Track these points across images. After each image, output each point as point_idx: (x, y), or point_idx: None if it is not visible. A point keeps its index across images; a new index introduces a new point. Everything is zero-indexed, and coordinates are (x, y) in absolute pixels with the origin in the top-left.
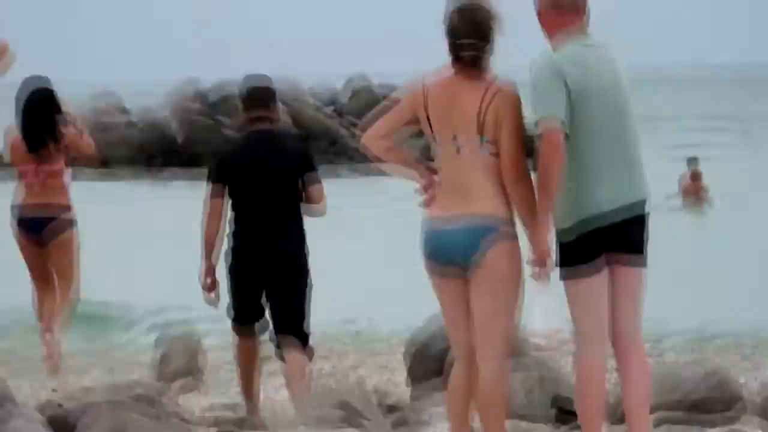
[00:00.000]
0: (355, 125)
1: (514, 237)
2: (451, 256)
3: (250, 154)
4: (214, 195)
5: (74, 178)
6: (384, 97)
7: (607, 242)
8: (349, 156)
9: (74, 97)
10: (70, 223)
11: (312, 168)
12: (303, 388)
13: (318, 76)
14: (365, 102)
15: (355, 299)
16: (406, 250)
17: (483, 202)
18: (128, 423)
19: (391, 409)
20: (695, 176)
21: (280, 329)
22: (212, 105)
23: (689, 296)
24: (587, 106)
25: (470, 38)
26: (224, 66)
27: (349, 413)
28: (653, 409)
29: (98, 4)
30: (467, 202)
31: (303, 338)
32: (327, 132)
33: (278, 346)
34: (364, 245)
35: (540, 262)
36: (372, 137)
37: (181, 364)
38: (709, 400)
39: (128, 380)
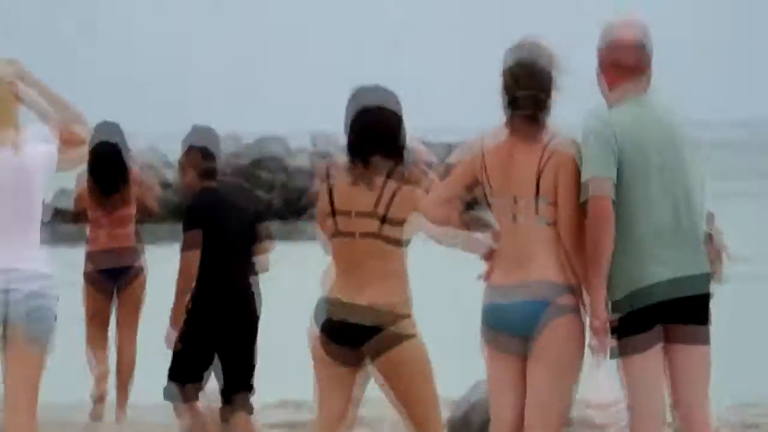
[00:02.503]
0: None
1: (576, 310)
2: (510, 328)
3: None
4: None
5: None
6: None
7: (661, 316)
8: None
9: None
10: (142, 270)
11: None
12: None
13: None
14: None
15: None
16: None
17: (542, 272)
18: None
19: None
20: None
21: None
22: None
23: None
24: (639, 170)
25: (529, 92)
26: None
27: None
28: None
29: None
30: (527, 271)
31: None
32: None
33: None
34: None
35: (597, 333)
36: (435, 205)
37: None
38: None
39: None
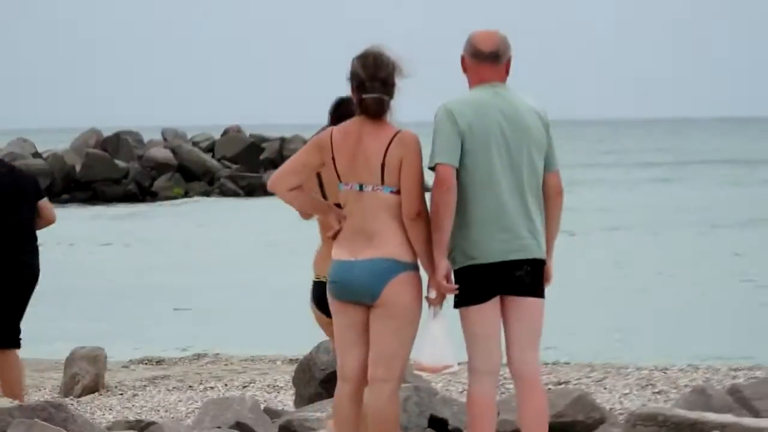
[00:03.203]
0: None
1: (416, 271)
2: (354, 293)
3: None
4: None
5: None
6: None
7: (497, 285)
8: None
9: None
10: None
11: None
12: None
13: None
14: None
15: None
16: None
17: (386, 247)
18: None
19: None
20: None
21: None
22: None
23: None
24: (480, 154)
25: (374, 84)
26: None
27: (241, 428)
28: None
29: None
30: (371, 245)
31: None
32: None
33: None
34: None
35: (435, 292)
36: (279, 184)
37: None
38: (577, 422)
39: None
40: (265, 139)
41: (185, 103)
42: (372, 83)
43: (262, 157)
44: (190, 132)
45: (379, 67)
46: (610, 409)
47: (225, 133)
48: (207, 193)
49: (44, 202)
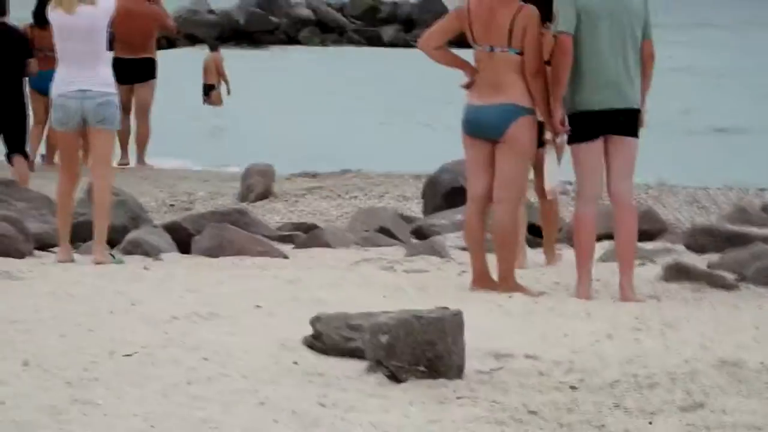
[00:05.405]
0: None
1: (533, 115)
2: (484, 130)
3: None
4: None
5: None
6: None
7: (603, 127)
8: (347, 38)
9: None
10: None
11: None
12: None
13: None
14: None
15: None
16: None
17: (510, 93)
18: (227, 231)
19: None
20: None
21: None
22: (264, 4)
23: None
24: (592, 24)
25: None
26: None
27: (384, 231)
28: (604, 237)
29: None
30: (498, 93)
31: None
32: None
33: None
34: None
35: (553, 128)
36: (428, 45)
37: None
38: (642, 231)
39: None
40: (381, 3)
41: None
42: None
43: (378, 16)
44: None
45: None
46: (666, 221)
47: None
48: (338, 42)
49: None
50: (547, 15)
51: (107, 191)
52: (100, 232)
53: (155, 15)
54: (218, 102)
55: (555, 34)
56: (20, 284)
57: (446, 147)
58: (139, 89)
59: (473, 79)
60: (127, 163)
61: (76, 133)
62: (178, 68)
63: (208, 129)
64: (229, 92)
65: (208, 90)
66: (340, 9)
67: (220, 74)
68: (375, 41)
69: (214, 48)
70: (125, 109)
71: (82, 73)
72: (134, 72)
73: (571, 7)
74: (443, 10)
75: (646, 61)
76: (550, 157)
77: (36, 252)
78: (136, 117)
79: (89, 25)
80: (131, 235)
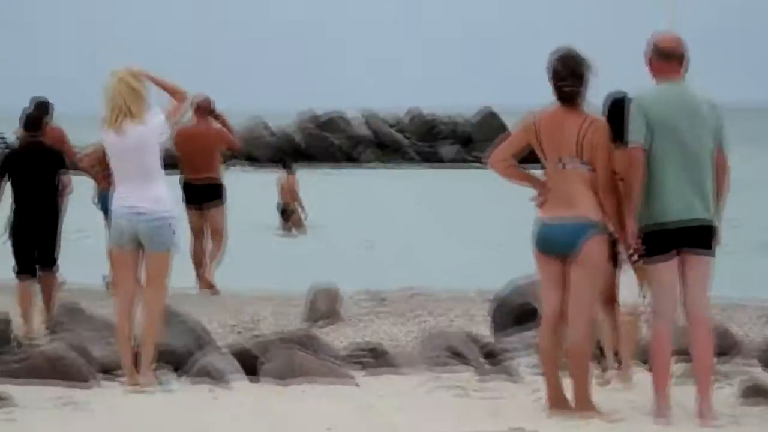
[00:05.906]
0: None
1: (605, 232)
2: (556, 247)
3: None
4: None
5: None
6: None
7: (676, 242)
8: (405, 156)
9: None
10: None
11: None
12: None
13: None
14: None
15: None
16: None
17: (582, 208)
18: (296, 356)
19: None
20: None
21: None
22: (322, 125)
23: None
24: (664, 137)
25: (569, 80)
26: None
27: (455, 354)
28: (679, 353)
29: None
30: (570, 207)
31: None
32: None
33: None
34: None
35: (627, 247)
36: (496, 161)
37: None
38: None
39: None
40: (439, 120)
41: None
42: (570, 77)
43: (436, 134)
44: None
45: (578, 63)
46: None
47: (408, 113)
48: (397, 161)
49: None
50: (618, 133)
51: (156, 314)
52: (146, 355)
53: (222, 135)
54: (299, 225)
55: (626, 147)
56: (85, 415)
57: (508, 265)
58: (210, 212)
59: (545, 198)
60: None
61: (132, 252)
62: (239, 189)
63: (281, 252)
64: (306, 217)
65: (285, 212)
66: (396, 124)
67: (295, 197)
68: (433, 159)
69: (289, 169)
70: (196, 233)
71: (134, 193)
72: (203, 194)
73: (642, 118)
74: (502, 127)
75: (719, 170)
76: (627, 274)
77: (101, 376)
78: (212, 239)
79: (138, 143)
80: (201, 362)
